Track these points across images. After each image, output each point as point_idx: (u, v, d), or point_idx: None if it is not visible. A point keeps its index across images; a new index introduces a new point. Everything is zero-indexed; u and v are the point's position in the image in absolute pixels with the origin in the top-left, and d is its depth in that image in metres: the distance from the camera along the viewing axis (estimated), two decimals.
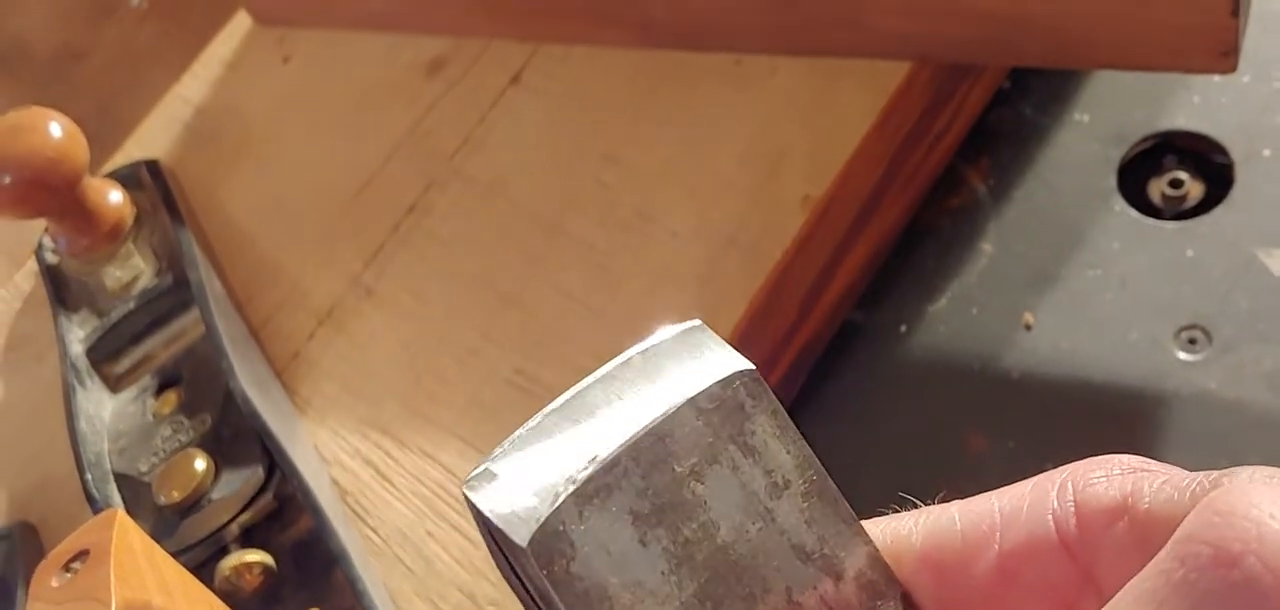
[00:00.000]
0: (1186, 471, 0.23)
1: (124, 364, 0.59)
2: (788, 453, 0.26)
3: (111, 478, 0.54)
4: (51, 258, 0.63)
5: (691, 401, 0.25)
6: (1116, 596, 0.21)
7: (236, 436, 0.53)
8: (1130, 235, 0.55)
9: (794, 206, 0.53)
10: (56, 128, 0.56)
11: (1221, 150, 0.56)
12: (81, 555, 0.38)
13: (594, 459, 0.24)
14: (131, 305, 0.59)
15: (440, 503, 0.52)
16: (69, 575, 0.38)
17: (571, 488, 0.24)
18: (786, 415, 0.26)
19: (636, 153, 0.57)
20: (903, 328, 0.56)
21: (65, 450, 0.57)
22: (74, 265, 0.61)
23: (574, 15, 0.58)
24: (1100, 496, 0.23)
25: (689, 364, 0.26)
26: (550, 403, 0.26)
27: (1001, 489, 0.25)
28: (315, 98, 0.65)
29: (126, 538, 0.38)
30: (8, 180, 0.56)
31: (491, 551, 0.25)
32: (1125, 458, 0.24)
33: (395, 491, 0.53)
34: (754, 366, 0.26)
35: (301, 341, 0.58)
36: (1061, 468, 0.25)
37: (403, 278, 0.58)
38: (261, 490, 0.51)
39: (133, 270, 0.60)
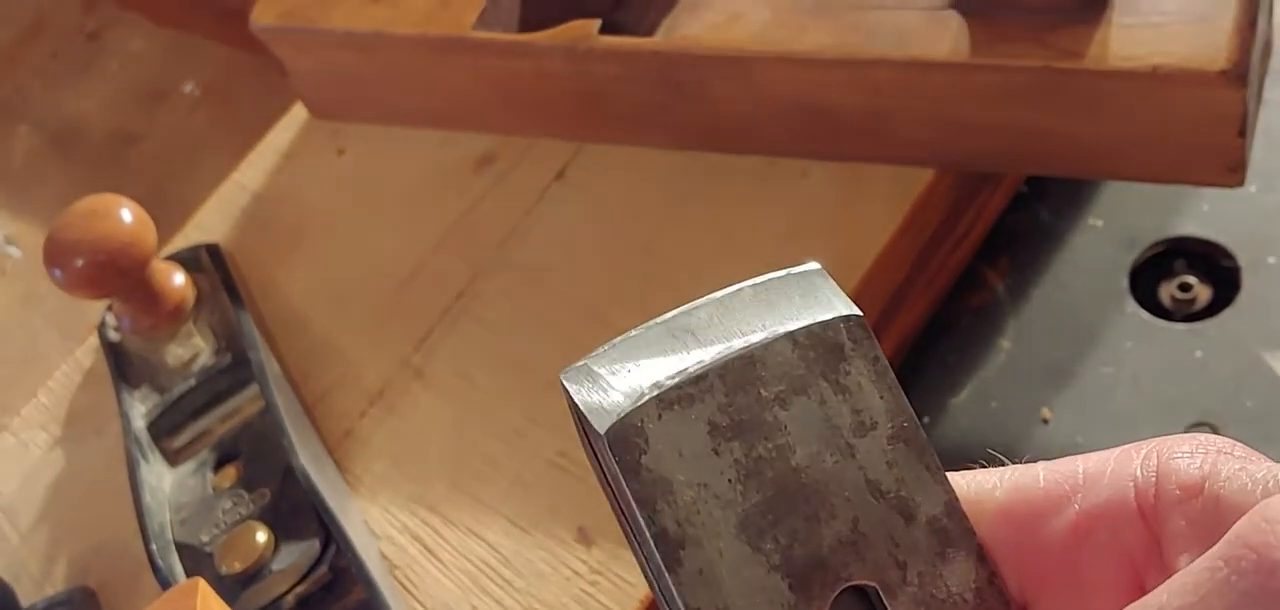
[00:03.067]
0: (1267, 461, 0.24)
1: (183, 438, 0.62)
2: (881, 398, 0.27)
3: (173, 547, 0.57)
4: (114, 335, 0.66)
5: (790, 334, 0.27)
6: (1167, 582, 0.22)
7: (295, 510, 0.56)
8: (1142, 335, 0.58)
9: None
10: (127, 213, 0.60)
11: (1229, 256, 0.59)
12: None
13: (683, 371, 0.27)
14: (192, 382, 0.62)
15: (485, 578, 0.55)
16: None
17: (655, 392, 0.26)
18: (888, 366, 0.27)
19: (674, 247, 0.61)
20: (925, 419, 0.59)
21: (124, 519, 0.60)
22: (136, 343, 0.64)
23: (615, 119, 0.62)
24: (1181, 471, 0.24)
25: (798, 302, 0.28)
26: (656, 318, 0.28)
27: (1087, 454, 0.26)
28: (368, 188, 0.68)
29: (209, 606, 0.41)
30: (81, 263, 0.59)
31: (580, 438, 0.28)
32: (1210, 438, 0.25)
33: (442, 567, 0.56)
34: (861, 314, 0.27)
35: (354, 420, 0.61)
36: (1148, 440, 0.26)
37: (451, 360, 0.61)
38: (317, 562, 0.54)
39: (193, 349, 0.63)
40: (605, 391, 0.27)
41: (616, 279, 0.61)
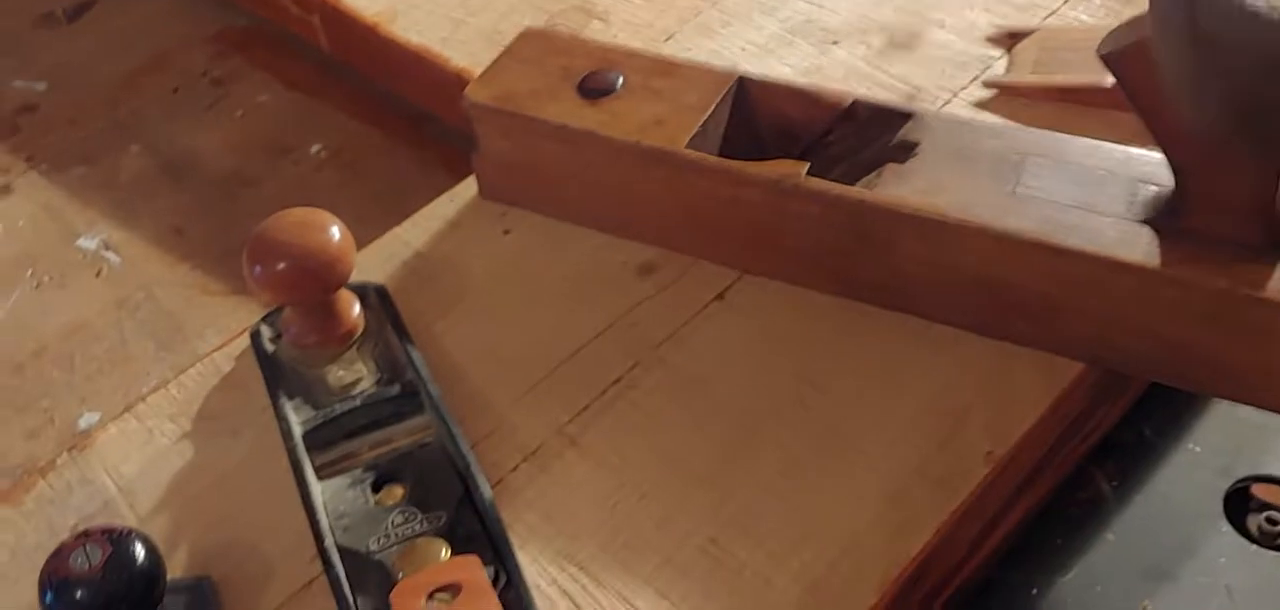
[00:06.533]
0: None
1: (333, 455, 0.64)
2: None
3: (336, 550, 0.58)
4: (269, 346, 0.68)
5: None
6: None
7: (470, 538, 0.58)
8: (1234, 554, 0.65)
9: (978, 457, 0.61)
10: (337, 231, 0.63)
11: None
12: (450, 587, 0.43)
13: None
14: (356, 403, 0.64)
15: None
16: (437, 602, 0.43)
17: None
18: None
19: (832, 383, 0.66)
20: (1034, 591, 0.64)
21: (250, 520, 0.63)
22: (294, 356, 0.67)
23: (790, 255, 0.67)
24: None
25: None
26: None
27: None
28: (531, 271, 0.72)
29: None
30: (283, 266, 0.62)
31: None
32: None
33: None
34: None
35: (506, 472, 0.64)
36: None
37: (606, 436, 0.65)
38: None
39: (355, 374, 0.66)
40: None
41: (774, 394, 0.65)
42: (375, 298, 0.70)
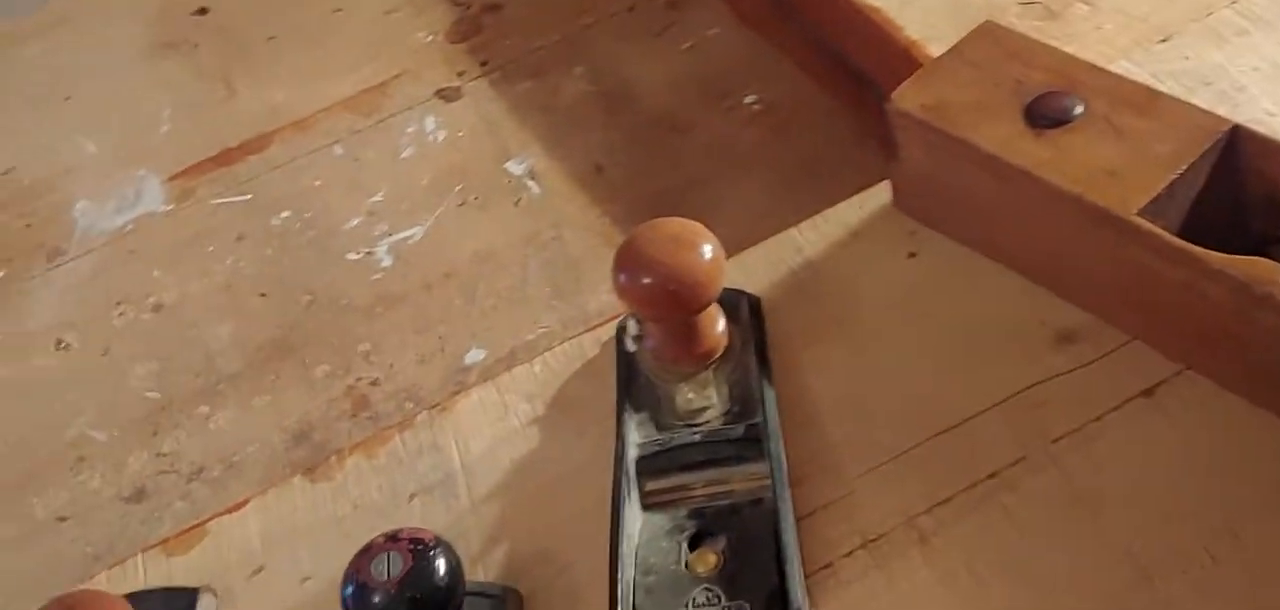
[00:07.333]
0: None
1: (663, 485, 0.59)
2: None
3: None
4: (630, 345, 0.63)
5: None
6: None
7: None
8: None
9: None
10: (709, 251, 0.56)
11: None
12: None
13: None
14: (696, 438, 0.58)
15: None
16: None
17: None
18: None
19: (1260, 538, 0.51)
20: None
21: (575, 533, 0.58)
22: (650, 365, 0.61)
23: (1239, 365, 0.53)
24: None
25: None
26: None
27: None
28: (930, 307, 0.62)
29: None
30: (648, 281, 0.56)
31: None
32: None
33: None
34: None
35: (837, 555, 0.55)
36: None
37: (963, 545, 0.55)
38: None
39: (705, 400, 0.60)
40: None
41: (1183, 538, 0.52)
42: (747, 311, 0.63)
